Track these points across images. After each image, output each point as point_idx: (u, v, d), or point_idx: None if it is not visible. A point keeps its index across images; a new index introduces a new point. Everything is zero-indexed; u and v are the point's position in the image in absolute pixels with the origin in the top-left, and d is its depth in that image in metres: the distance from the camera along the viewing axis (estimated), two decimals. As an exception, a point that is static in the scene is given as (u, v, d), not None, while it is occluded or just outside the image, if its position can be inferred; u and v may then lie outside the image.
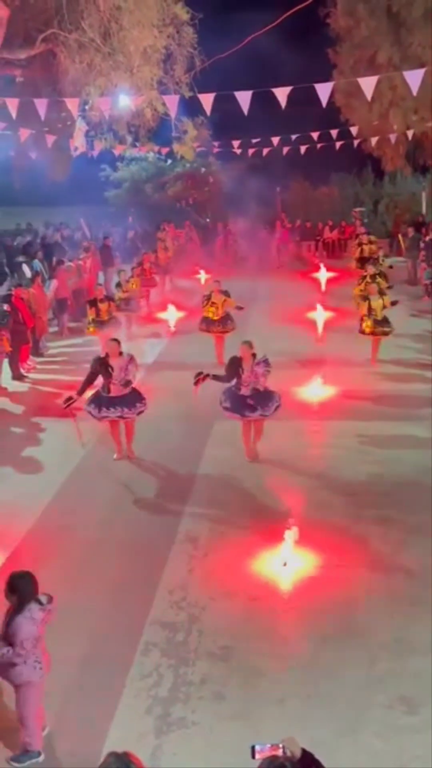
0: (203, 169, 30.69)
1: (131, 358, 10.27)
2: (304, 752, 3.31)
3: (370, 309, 13.87)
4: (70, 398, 10.04)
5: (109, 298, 16.05)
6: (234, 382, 9.92)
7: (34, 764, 5.15)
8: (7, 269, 21.59)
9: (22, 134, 17.33)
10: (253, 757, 3.27)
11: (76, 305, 18.89)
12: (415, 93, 14.75)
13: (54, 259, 21.68)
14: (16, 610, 5.04)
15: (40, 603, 5.11)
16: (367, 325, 13.89)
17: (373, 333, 13.94)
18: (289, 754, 3.27)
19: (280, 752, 3.28)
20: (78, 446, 10.36)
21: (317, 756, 3.35)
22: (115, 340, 10.43)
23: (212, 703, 5.69)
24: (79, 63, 16.89)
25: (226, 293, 14.67)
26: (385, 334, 13.95)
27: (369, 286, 14.77)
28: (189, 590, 7.20)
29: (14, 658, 4.98)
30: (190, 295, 21.04)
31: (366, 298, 14.14)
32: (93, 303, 15.43)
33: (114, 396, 10.07)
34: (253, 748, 3.31)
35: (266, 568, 7.45)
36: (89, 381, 10.13)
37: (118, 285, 17.96)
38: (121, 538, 8.30)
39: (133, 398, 10.20)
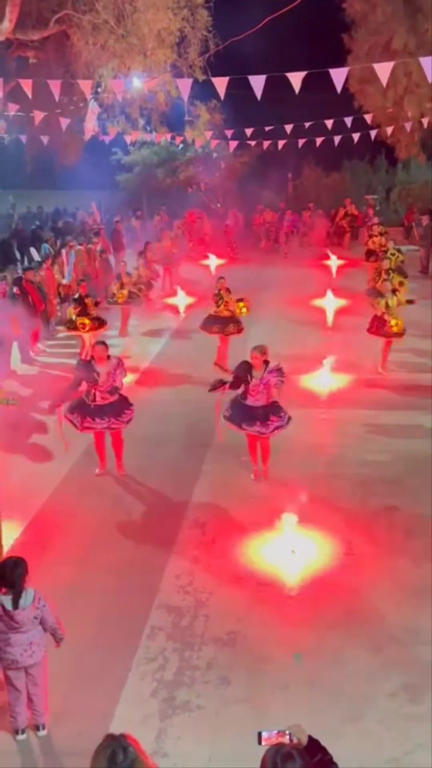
0: (215, 154, 30.46)
1: (119, 363, 9.29)
2: (311, 739, 3.31)
3: (387, 308, 12.70)
4: (54, 404, 9.18)
5: (92, 296, 14.92)
6: (242, 390, 9.01)
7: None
8: (17, 252, 21.60)
9: (36, 117, 17.22)
10: (260, 743, 3.27)
11: (87, 289, 18.84)
12: (430, 80, 14.52)
13: (58, 242, 21.61)
14: None
15: (15, 602, 5.08)
16: (394, 324, 12.54)
17: (389, 335, 12.74)
18: (295, 741, 3.27)
19: (286, 739, 3.28)
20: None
21: (322, 742, 3.35)
22: (102, 343, 9.42)
23: (217, 688, 5.72)
24: (92, 45, 16.81)
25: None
26: (400, 336, 12.80)
27: (384, 283, 13.78)
28: (196, 575, 7.22)
29: None
30: (196, 285, 20.95)
31: (381, 295, 13.16)
32: (79, 300, 14.30)
33: (100, 405, 9.11)
34: (259, 734, 3.31)
35: (273, 554, 7.46)
36: (73, 389, 9.20)
37: (118, 276, 16.96)
38: (129, 522, 8.32)
39: (121, 406, 9.24)
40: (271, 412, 8.90)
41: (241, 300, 13.43)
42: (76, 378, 9.25)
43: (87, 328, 14.05)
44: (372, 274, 16.89)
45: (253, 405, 8.91)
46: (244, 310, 13.30)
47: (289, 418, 8.99)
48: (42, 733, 5.36)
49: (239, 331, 13.36)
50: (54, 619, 5.27)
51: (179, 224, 25.31)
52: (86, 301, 14.21)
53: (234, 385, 8.96)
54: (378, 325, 12.78)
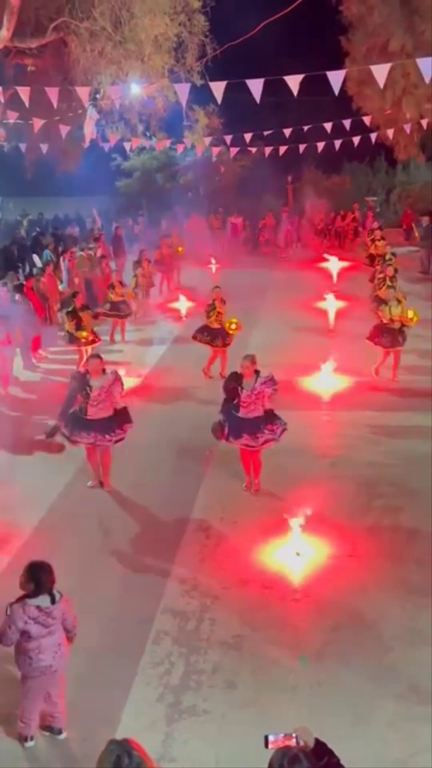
0: (214, 158, 30.52)
1: (116, 377, 8.97)
2: (318, 742, 3.30)
3: (391, 316, 12.39)
4: (55, 428, 8.99)
5: (87, 309, 14.32)
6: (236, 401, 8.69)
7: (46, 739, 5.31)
8: (18, 259, 21.64)
9: (36, 124, 17.28)
10: (267, 746, 3.27)
11: (87, 295, 18.87)
12: (428, 81, 14.54)
13: (60, 249, 21.64)
14: (20, 597, 5.06)
15: (51, 598, 5.10)
16: (412, 314, 12.25)
17: (389, 345, 12.48)
18: (302, 743, 3.26)
19: (293, 742, 3.27)
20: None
21: (329, 745, 3.35)
22: (97, 356, 9.20)
23: (224, 692, 5.71)
24: (90, 51, 16.88)
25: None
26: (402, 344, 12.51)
27: (388, 290, 13.28)
28: (201, 579, 7.21)
29: (3, 639, 5.03)
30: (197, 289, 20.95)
31: (384, 303, 12.79)
32: (74, 313, 13.71)
33: (91, 419, 8.83)
34: (266, 737, 3.31)
35: (278, 557, 7.45)
36: (69, 403, 8.93)
37: (111, 287, 16.39)
38: (132, 528, 8.31)
39: (113, 423, 8.90)
40: (264, 423, 8.60)
41: (233, 320, 13.01)
42: (70, 392, 8.99)
43: (86, 341, 13.75)
44: (377, 280, 16.32)
45: (245, 417, 8.61)
46: (233, 327, 12.85)
47: (284, 430, 8.66)
48: (62, 736, 5.37)
49: (225, 345, 13.07)
50: (72, 615, 5.29)
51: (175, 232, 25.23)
52: (81, 315, 13.72)
53: (228, 400, 8.73)
54: (378, 334, 12.54)
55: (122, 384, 9.12)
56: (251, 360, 8.62)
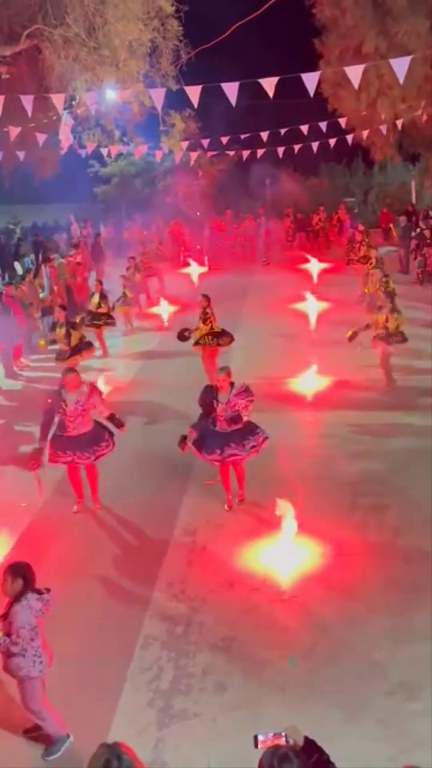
0: (192, 163, 30.57)
1: (92, 389, 8.62)
2: (307, 740, 3.30)
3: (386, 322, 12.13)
4: (37, 450, 8.44)
5: (74, 323, 14.13)
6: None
7: (67, 747, 5.27)
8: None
9: (12, 132, 17.23)
10: (256, 746, 3.26)
11: (68, 303, 18.83)
12: (401, 81, 14.70)
13: (41, 257, 21.60)
14: (15, 599, 5.04)
15: (39, 593, 5.12)
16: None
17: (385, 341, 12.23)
18: (291, 742, 3.26)
19: (282, 741, 3.27)
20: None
21: (320, 743, 3.35)
22: (72, 370, 8.83)
23: (214, 694, 5.70)
24: (64, 58, 16.83)
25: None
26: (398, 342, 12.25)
27: (385, 299, 12.72)
28: (188, 583, 7.20)
29: (11, 648, 4.98)
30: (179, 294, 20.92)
31: (381, 307, 12.48)
32: (66, 331, 13.60)
33: (69, 436, 8.51)
34: (255, 737, 3.30)
35: (265, 558, 7.45)
36: (46, 422, 8.53)
37: (93, 296, 16.29)
38: (119, 533, 8.29)
39: (93, 439, 8.57)
40: (240, 437, 8.33)
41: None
42: (46, 409, 8.60)
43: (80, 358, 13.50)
44: (367, 284, 16.05)
45: (221, 431, 8.37)
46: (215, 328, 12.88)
47: (256, 445, 8.37)
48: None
49: (232, 340, 13.04)
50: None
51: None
52: (72, 333, 13.56)
53: (204, 414, 8.50)
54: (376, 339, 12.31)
55: (100, 393, 8.82)
56: (226, 372, 8.41)
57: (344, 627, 6.38)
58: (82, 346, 13.80)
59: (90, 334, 15.19)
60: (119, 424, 8.89)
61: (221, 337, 12.97)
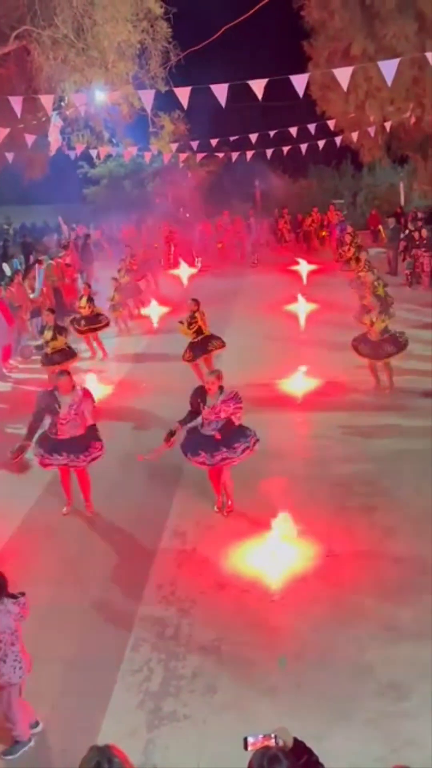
0: (181, 165, 30.60)
1: (85, 393, 8.57)
2: (296, 741, 3.31)
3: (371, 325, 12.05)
4: (21, 447, 8.45)
5: (61, 328, 13.72)
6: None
7: (25, 752, 5.26)
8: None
9: (0, 133, 17.18)
10: (246, 748, 3.26)
11: (57, 304, 18.79)
12: (389, 83, 14.75)
13: (31, 258, 21.54)
14: None
15: (14, 597, 5.11)
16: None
17: (371, 356, 12.21)
18: (281, 743, 3.27)
19: (272, 742, 3.28)
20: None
21: (309, 744, 3.36)
22: (66, 372, 8.76)
23: (204, 696, 5.70)
24: (53, 59, 16.80)
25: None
26: (388, 356, 12.07)
27: (374, 301, 12.69)
28: (178, 584, 7.20)
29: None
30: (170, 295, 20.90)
31: (368, 311, 12.31)
32: (53, 336, 13.29)
33: (61, 439, 8.42)
34: (245, 739, 3.30)
35: (255, 559, 7.46)
36: (35, 421, 8.48)
37: (81, 299, 16.05)
38: (108, 535, 8.28)
39: (85, 442, 8.48)
40: (228, 440, 8.14)
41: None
42: (38, 409, 8.50)
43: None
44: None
45: (208, 434, 8.21)
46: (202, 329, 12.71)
47: (248, 447, 8.20)
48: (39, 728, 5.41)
49: (223, 344, 12.84)
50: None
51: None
52: (59, 338, 13.29)
53: (190, 416, 8.33)
54: (358, 342, 12.26)
55: (93, 400, 8.74)
56: (216, 376, 8.28)
57: (334, 628, 6.39)
58: (67, 354, 13.46)
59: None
60: (99, 437, 8.66)
61: (209, 342, 12.75)
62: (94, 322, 15.68)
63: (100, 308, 16.15)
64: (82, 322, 15.66)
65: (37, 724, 5.42)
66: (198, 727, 5.39)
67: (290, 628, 6.43)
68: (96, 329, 15.75)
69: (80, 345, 15.34)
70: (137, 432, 11.27)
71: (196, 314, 12.80)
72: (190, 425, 8.38)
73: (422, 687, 5.60)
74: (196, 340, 12.78)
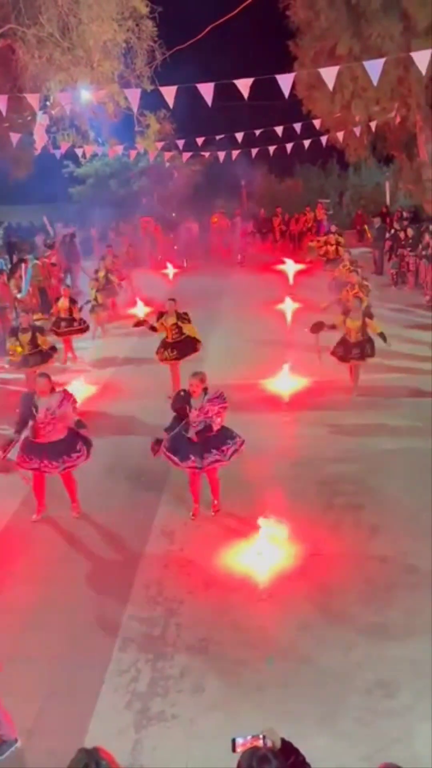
0: (167, 164, 30.55)
1: (65, 395, 8.36)
2: (284, 742, 3.32)
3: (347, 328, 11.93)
4: (9, 440, 8.34)
5: (37, 328, 13.31)
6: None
7: (12, 752, 5.20)
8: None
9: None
10: (234, 750, 3.25)
11: (42, 304, 18.72)
12: (375, 83, 14.81)
13: (15, 257, 21.43)
14: None
15: None
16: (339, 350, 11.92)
17: (342, 359, 12.13)
18: (269, 744, 3.27)
19: (260, 743, 3.28)
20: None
21: (297, 743, 3.37)
22: (44, 375, 8.52)
23: (192, 696, 5.70)
24: (38, 58, 16.69)
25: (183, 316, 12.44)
26: (361, 358, 11.97)
27: (354, 301, 12.43)
28: (165, 584, 7.19)
29: None
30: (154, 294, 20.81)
31: (346, 313, 12.10)
32: (14, 332, 12.97)
33: (39, 443, 8.23)
34: (233, 741, 3.30)
35: (242, 559, 7.46)
36: (21, 420, 8.31)
37: (58, 301, 15.56)
38: (97, 534, 8.25)
39: (65, 447, 8.28)
40: (216, 442, 8.11)
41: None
42: (21, 413, 8.33)
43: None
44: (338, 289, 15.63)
45: (194, 438, 8.14)
46: (192, 333, 12.27)
47: (235, 450, 8.19)
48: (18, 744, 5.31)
49: (195, 351, 12.31)
50: None
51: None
52: (39, 341, 12.94)
53: (177, 418, 8.22)
54: (343, 349, 12.06)
55: (74, 401, 8.51)
56: (200, 378, 8.14)
57: (321, 626, 6.41)
58: (45, 356, 13.12)
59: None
60: (84, 442, 8.49)
61: (186, 347, 12.27)
62: (74, 325, 15.37)
63: (79, 311, 15.72)
64: (62, 324, 15.31)
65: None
66: (186, 727, 5.39)
67: (277, 628, 6.44)
68: (75, 332, 15.44)
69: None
70: (122, 435, 11.23)
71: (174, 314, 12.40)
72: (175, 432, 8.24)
73: (409, 685, 5.63)
74: (175, 340, 12.35)
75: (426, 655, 5.95)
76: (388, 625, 6.38)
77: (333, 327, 12.24)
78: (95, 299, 17.59)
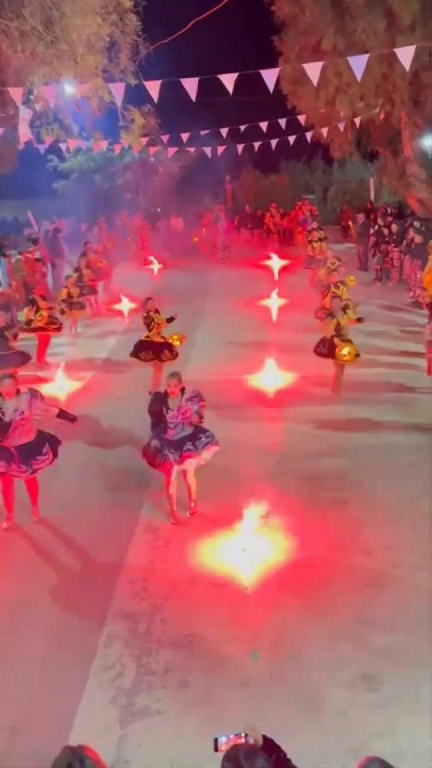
0: (152, 159, 30.45)
1: (33, 396, 8.06)
2: (266, 739, 3.32)
3: (338, 328, 11.74)
4: None
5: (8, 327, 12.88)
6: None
7: None
8: None
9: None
10: (216, 749, 3.24)
11: (26, 299, 18.59)
12: (359, 79, 14.85)
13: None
14: None
15: None
16: (346, 352, 11.57)
17: (328, 356, 11.93)
18: (251, 741, 3.27)
19: (242, 741, 3.27)
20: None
21: (282, 737, 3.38)
22: (10, 376, 8.19)
23: (176, 691, 5.70)
24: (21, 52, 16.58)
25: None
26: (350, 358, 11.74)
27: (333, 300, 12.30)
28: (150, 580, 7.18)
29: None
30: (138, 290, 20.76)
31: (332, 314, 11.95)
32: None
33: (7, 446, 7.97)
34: (215, 740, 3.29)
35: (227, 554, 7.47)
36: None
37: (31, 301, 15.02)
38: (79, 530, 8.22)
39: (31, 451, 8.01)
40: (191, 437, 8.04)
41: (175, 337, 12.17)
42: None
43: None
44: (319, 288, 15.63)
45: (173, 439, 8.03)
46: (177, 342, 12.06)
47: (207, 443, 8.07)
48: None
49: (174, 356, 12.14)
50: None
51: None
52: (6, 334, 12.62)
53: (155, 422, 8.11)
54: (328, 348, 11.89)
55: (42, 397, 8.23)
56: (177, 378, 8.06)
57: (306, 621, 6.43)
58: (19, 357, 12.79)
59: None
60: (72, 418, 8.51)
61: (163, 350, 12.13)
62: (45, 324, 14.77)
63: (53, 310, 15.31)
64: (32, 323, 14.73)
65: None
66: (171, 723, 5.39)
67: (262, 622, 6.45)
68: (46, 331, 14.87)
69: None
70: (108, 427, 11.22)
71: (152, 314, 12.28)
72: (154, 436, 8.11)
73: (393, 678, 5.67)
74: (153, 341, 12.25)
75: (409, 648, 5.99)
76: (371, 620, 6.40)
77: (360, 320, 12.21)
78: (67, 297, 17.05)
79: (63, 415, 8.51)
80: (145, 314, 12.36)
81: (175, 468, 8.05)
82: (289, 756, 3.33)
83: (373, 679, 5.69)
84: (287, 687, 5.65)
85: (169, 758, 5.06)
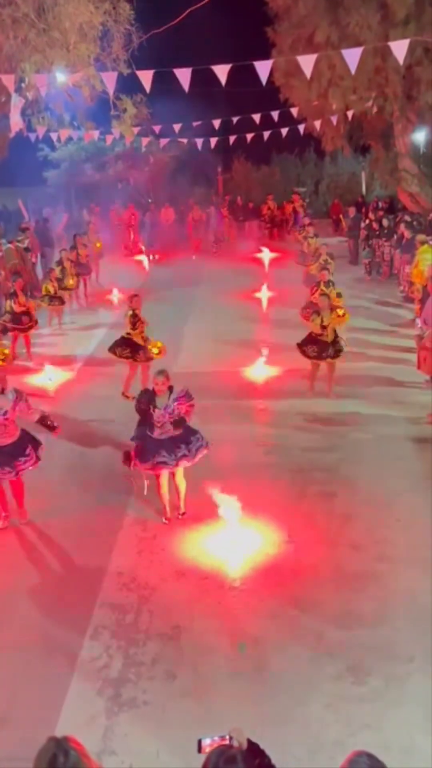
0: (144, 149, 30.30)
1: (17, 397, 7.82)
2: (250, 743, 3.29)
3: (323, 328, 11.44)
4: None
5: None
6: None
7: None
8: None
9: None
10: (200, 751, 3.21)
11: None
12: (353, 72, 14.82)
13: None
14: None
15: None
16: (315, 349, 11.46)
17: (318, 357, 11.62)
18: (236, 744, 3.24)
19: (227, 743, 3.24)
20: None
21: (268, 730, 3.38)
22: None
23: (163, 683, 5.70)
24: (13, 39, 16.47)
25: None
26: (336, 356, 11.57)
27: (321, 297, 12.00)
28: (138, 572, 7.18)
29: None
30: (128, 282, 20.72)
31: (318, 312, 11.67)
32: None
33: None
34: (199, 742, 3.26)
35: (215, 546, 7.47)
36: None
37: (13, 295, 14.55)
38: (69, 520, 8.21)
39: (14, 452, 7.87)
40: (182, 438, 7.87)
41: (158, 344, 11.38)
42: None
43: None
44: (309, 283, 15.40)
45: (160, 438, 7.86)
46: (155, 350, 11.29)
47: (200, 448, 7.97)
48: None
49: (148, 359, 11.67)
50: None
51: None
52: None
53: (141, 420, 7.96)
54: (305, 342, 11.69)
55: (25, 400, 7.94)
56: (165, 376, 7.81)
57: (293, 613, 6.44)
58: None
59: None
60: (51, 428, 8.20)
61: (139, 351, 11.77)
62: (22, 321, 14.33)
63: (32, 304, 14.85)
64: (7, 318, 14.29)
65: None
66: (157, 714, 5.40)
67: (249, 615, 6.46)
68: (23, 329, 14.44)
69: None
70: (92, 424, 11.20)
71: (137, 311, 11.91)
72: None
73: (379, 671, 5.69)
74: (132, 340, 11.89)
75: (395, 641, 6.01)
76: (357, 613, 6.43)
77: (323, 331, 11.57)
78: (46, 292, 16.83)
79: (44, 421, 8.16)
80: (131, 312, 11.94)
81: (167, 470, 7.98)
82: (277, 749, 3.30)
83: (360, 672, 5.71)
84: (274, 679, 5.66)
85: (155, 749, 5.07)
